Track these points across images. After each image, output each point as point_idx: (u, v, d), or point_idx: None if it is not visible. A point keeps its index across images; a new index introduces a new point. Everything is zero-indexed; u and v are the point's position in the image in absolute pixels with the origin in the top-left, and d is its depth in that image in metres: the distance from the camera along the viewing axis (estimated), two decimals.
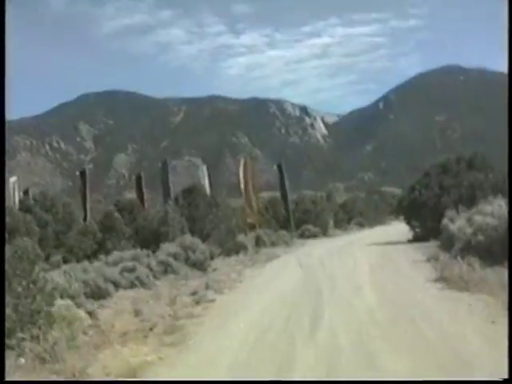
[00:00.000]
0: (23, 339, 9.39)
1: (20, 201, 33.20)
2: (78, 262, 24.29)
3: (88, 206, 38.92)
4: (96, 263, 21.03)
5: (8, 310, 9.39)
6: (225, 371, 7.86)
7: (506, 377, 6.37)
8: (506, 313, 8.94)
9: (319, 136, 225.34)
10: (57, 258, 25.29)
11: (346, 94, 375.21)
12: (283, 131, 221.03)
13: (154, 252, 23.73)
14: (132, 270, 19.17)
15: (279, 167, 47.21)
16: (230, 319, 11.51)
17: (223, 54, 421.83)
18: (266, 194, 56.28)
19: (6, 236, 14.88)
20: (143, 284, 18.58)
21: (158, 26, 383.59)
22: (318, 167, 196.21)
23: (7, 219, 21.26)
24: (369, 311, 11.04)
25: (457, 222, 19.82)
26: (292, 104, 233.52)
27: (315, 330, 9.74)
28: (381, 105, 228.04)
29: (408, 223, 32.86)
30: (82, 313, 11.99)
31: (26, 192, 39.39)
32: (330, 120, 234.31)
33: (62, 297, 12.72)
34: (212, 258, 27.65)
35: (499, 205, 17.80)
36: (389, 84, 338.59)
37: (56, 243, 27.47)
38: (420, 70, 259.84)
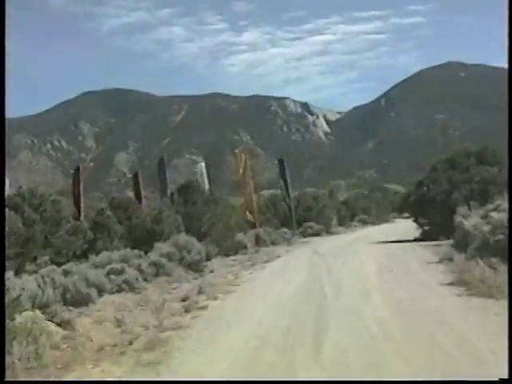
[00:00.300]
0: None
1: (8, 198, 31.72)
2: (67, 262, 22.90)
3: (82, 204, 37.53)
4: (83, 265, 19.54)
5: None
6: None
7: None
8: None
9: (321, 133, 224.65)
10: (44, 259, 23.82)
11: (347, 92, 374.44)
12: (285, 129, 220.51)
13: (147, 252, 22.33)
14: (120, 272, 17.71)
15: (280, 162, 45.72)
16: (222, 332, 10.05)
17: (224, 51, 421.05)
18: (267, 193, 54.98)
19: None
20: (132, 288, 17.12)
21: (159, 23, 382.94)
22: (320, 165, 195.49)
23: None
24: (380, 323, 9.56)
25: (471, 220, 18.34)
26: (294, 101, 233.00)
27: (319, 346, 8.26)
28: (382, 102, 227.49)
29: (415, 220, 31.38)
30: (52, 325, 10.51)
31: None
32: (332, 117, 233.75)
33: (33, 305, 11.28)
34: (209, 258, 26.23)
35: None
36: (390, 81, 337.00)
37: (44, 243, 26.02)
38: (421, 66, 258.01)
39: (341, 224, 53.61)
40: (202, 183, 39.87)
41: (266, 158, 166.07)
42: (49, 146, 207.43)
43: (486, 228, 16.32)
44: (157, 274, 20.25)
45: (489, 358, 7.15)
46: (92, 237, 27.38)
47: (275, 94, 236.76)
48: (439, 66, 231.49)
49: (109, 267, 18.11)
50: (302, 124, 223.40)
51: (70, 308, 13.39)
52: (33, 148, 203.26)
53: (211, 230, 28.47)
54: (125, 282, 17.10)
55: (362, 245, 28.41)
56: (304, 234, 44.22)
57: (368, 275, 15.80)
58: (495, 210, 17.37)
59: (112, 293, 16.63)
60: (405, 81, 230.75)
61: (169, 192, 34.27)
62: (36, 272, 16.50)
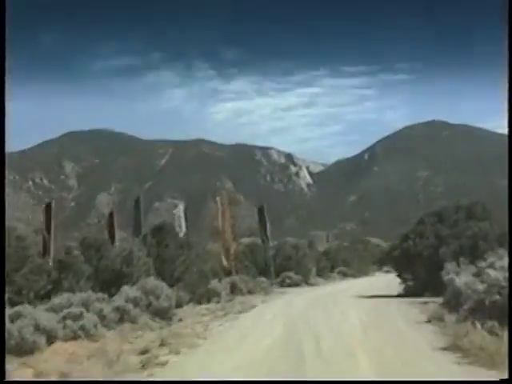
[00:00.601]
0: None
1: None
2: (28, 303, 21.15)
3: (52, 243, 35.77)
4: (39, 307, 17.80)
5: None
6: None
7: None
8: None
9: (303, 184, 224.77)
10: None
11: (332, 144, 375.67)
12: (268, 178, 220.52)
13: (113, 295, 20.66)
14: (78, 317, 16.02)
15: (260, 210, 44.33)
16: None
17: (212, 98, 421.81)
18: (247, 241, 53.45)
19: None
20: (89, 335, 15.43)
21: (147, 67, 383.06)
22: (301, 215, 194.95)
23: None
24: None
25: (463, 277, 16.94)
26: (278, 151, 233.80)
27: None
28: (366, 156, 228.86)
29: (399, 275, 29.94)
30: None
31: None
32: (316, 169, 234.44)
33: None
34: (180, 305, 24.56)
35: None
36: (375, 136, 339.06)
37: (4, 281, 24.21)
38: (406, 123, 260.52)
39: (320, 275, 51.94)
40: (180, 226, 38.36)
41: (247, 206, 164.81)
42: (31, 183, 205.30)
43: (481, 287, 14.92)
44: (120, 321, 18.59)
45: None
46: (57, 277, 25.66)
47: (260, 144, 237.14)
48: (423, 123, 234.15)
49: (66, 311, 16.45)
50: (285, 174, 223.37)
51: (12, 357, 11.76)
52: (14, 185, 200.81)
53: (184, 275, 26.82)
54: (81, 328, 15.42)
55: (342, 298, 26.84)
56: (282, 284, 42.59)
57: (351, 332, 14.26)
58: (490, 267, 15.97)
59: (67, 340, 14.97)
60: (389, 136, 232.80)
61: (143, 233, 32.64)
62: None
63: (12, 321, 13.61)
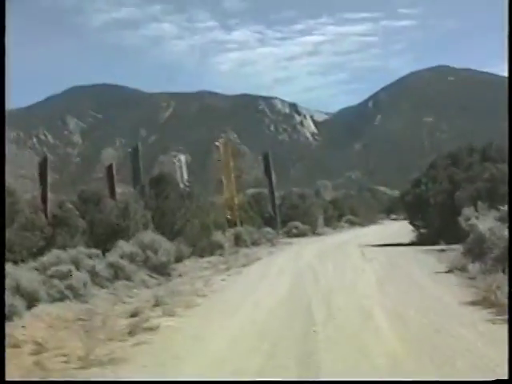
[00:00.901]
0: None
1: None
2: (21, 261, 19.86)
3: (48, 198, 34.43)
4: (24, 266, 16.42)
5: None
6: None
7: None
8: None
9: (308, 134, 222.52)
10: None
11: (336, 93, 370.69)
12: (272, 128, 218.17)
13: (105, 252, 19.31)
14: (66, 275, 14.65)
15: (265, 157, 42.69)
16: (166, 372, 7.05)
17: (214, 49, 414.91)
18: (252, 191, 52.10)
19: None
20: (78, 295, 14.05)
21: (149, 20, 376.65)
22: (307, 165, 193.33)
23: None
24: (393, 364, 6.62)
25: (486, 223, 15.44)
26: (282, 101, 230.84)
27: None
28: (370, 104, 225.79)
29: (411, 222, 28.53)
30: None
31: None
32: (320, 118, 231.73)
33: None
34: (181, 259, 23.24)
35: None
36: (379, 83, 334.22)
37: None
38: (410, 69, 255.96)
39: (327, 224, 50.61)
40: (182, 177, 36.86)
41: (252, 157, 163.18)
42: (35, 140, 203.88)
43: (507, 233, 13.44)
44: (115, 278, 17.25)
45: None
46: (51, 233, 24.27)
47: (263, 94, 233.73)
48: (428, 69, 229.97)
49: (54, 269, 15.08)
50: (289, 124, 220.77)
51: None
52: (18, 142, 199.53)
53: (185, 227, 25.41)
54: (69, 288, 14.05)
55: (353, 248, 25.40)
56: (289, 234, 41.31)
57: (365, 288, 12.82)
58: None
59: (54, 301, 13.63)
60: (393, 83, 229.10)
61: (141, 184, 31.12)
62: None
63: None
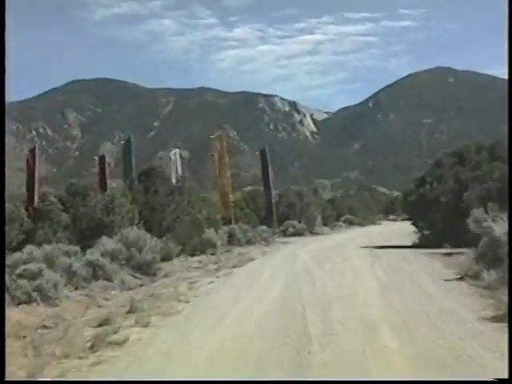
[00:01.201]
0: None
1: None
2: None
3: (36, 189, 32.98)
4: None
5: None
6: None
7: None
8: None
9: (307, 133, 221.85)
10: None
11: (335, 92, 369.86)
12: (272, 126, 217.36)
13: (88, 248, 17.90)
14: (36, 275, 13.22)
15: (262, 153, 41.21)
16: None
17: (214, 46, 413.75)
18: (249, 188, 50.73)
19: None
20: (47, 298, 12.62)
21: (150, 15, 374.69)
22: (305, 164, 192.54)
23: None
24: None
25: (500, 226, 14.01)
26: (281, 99, 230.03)
27: None
28: (370, 104, 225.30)
29: (414, 223, 27.11)
30: None
31: None
32: (319, 117, 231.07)
33: None
34: (170, 258, 21.84)
35: None
36: (379, 84, 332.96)
37: None
38: (410, 70, 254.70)
39: (325, 224, 49.14)
40: (176, 171, 35.45)
41: (251, 154, 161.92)
42: (34, 133, 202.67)
43: None
44: (94, 278, 15.82)
45: None
46: (31, 226, 22.79)
47: (263, 91, 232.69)
48: (428, 70, 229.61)
49: (23, 268, 13.64)
50: (288, 122, 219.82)
51: None
52: (17, 134, 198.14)
53: (175, 224, 23.99)
54: (37, 289, 12.61)
55: (352, 250, 23.90)
56: (285, 233, 39.88)
57: (368, 297, 11.37)
58: None
59: (20, 303, 12.22)
60: (393, 84, 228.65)
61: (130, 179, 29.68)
62: None
63: None
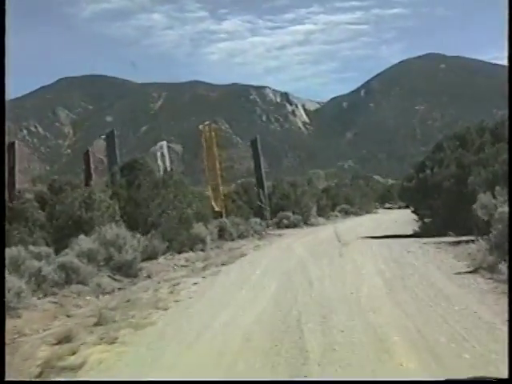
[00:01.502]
0: None
1: None
2: None
3: (16, 186, 31.42)
4: None
5: None
6: None
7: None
8: None
9: (300, 123, 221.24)
10: None
11: (327, 82, 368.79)
12: (264, 118, 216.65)
13: (65, 249, 16.40)
14: None
15: (253, 143, 39.66)
16: None
17: (205, 39, 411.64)
18: (242, 180, 49.24)
19: None
20: (8, 309, 11.08)
21: (139, 10, 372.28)
22: (299, 154, 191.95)
23: None
24: None
25: None
26: (273, 91, 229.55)
27: None
28: (362, 93, 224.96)
29: (414, 211, 25.70)
30: None
31: None
32: (312, 107, 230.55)
33: None
34: (155, 256, 20.33)
35: None
36: (370, 72, 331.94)
37: None
38: (402, 58, 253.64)
39: (321, 214, 47.59)
40: (163, 164, 33.80)
41: (244, 147, 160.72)
42: (25, 131, 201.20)
43: None
44: (67, 282, 14.30)
45: None
46: (6, 226, 21.20)
47: (255, 83, 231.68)
48: (419, 57, 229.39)
49: None
50: (281, 113, 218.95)
51: None
52: (9, 133, 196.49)
53: (160, 219, 22.44)
54: None
55: (350, 241, 22.41)
56: (279, 225, 38.36)
57: (373, 297, 9.88)
58: None
59: None
60: (385, 72, 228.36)
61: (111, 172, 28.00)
62: None
63: None
